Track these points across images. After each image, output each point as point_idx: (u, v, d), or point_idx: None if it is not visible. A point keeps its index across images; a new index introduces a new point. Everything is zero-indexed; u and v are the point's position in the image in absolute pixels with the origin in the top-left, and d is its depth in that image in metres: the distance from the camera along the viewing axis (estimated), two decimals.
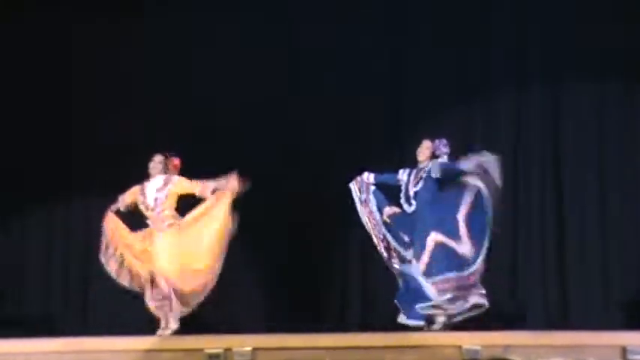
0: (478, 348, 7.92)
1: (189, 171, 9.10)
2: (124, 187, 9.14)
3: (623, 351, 7.95)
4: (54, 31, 10.46)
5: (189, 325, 8.99)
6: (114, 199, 9.12)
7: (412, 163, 9.05)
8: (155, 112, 10.39)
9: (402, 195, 8.97)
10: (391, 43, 10.46)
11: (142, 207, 8.96)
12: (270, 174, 9.95)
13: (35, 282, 10.42)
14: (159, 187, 8.93)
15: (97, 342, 8.67)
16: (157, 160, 9.02)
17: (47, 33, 10.45)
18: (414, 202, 8.88)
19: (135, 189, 9.09)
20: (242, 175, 8.81)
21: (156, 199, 8.89)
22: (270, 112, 10.27)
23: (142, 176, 9.12)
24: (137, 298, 9.12)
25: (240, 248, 9.08)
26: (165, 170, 9.00)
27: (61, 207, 10.51)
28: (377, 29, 10.45)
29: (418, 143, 9.04)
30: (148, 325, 8.99)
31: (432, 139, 8.95)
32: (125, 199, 9.10)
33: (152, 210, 8.90)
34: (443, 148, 8.89)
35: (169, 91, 10.41)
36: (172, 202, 8.94)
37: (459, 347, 7.99)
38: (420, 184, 8.86)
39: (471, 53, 10.32)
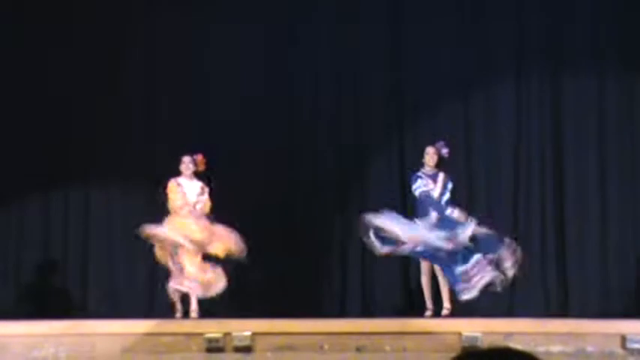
0: (478, 335, 7.92)
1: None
2: (122, 178, 9.18)
3: (623, 339, 7.96)
4: (54, 27, 10.42)
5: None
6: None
7: (412, 161, 9.12)
8: (154, 108, 10.39)
9: (434, 205, 8.97)
10: (391, 42, 10.44)
11: (180, 202, 9.21)
12: (272, 169, 10.01)
13: (33, 266, 10.38)
14: (198, 192, 9.32)
15: (96, 325, 8.65)
16: (187, 160, 9.33)
17: (47, 29, 10.41)
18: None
19: (173, 186, 9.31)
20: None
21: (196, 203, 9.25)
22: (270, 111, 10.26)
23: (142, 170, 9.24)
24: (136, 282, 9.13)
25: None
26: (195, 168, 9.35)
27: (59, 192, 10.47)
28: (377, 29, 10.42)
29: (418, 142, 9.39)
30: (147, 308, 8.99)
31: (432, 145, 9.12)
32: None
33: (192, 207, 9.21)
34: (443, 149, 9.13)
35: (168, 87, 10.39)
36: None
37: (459, 334, 8.00)
38: (448, 194, 9.03)
39: (470, 50, 10.30)
